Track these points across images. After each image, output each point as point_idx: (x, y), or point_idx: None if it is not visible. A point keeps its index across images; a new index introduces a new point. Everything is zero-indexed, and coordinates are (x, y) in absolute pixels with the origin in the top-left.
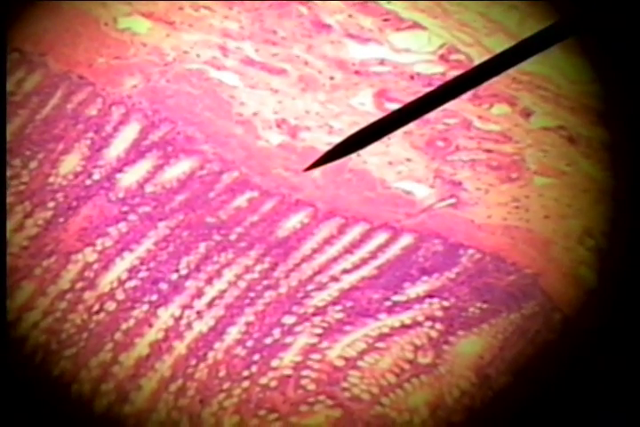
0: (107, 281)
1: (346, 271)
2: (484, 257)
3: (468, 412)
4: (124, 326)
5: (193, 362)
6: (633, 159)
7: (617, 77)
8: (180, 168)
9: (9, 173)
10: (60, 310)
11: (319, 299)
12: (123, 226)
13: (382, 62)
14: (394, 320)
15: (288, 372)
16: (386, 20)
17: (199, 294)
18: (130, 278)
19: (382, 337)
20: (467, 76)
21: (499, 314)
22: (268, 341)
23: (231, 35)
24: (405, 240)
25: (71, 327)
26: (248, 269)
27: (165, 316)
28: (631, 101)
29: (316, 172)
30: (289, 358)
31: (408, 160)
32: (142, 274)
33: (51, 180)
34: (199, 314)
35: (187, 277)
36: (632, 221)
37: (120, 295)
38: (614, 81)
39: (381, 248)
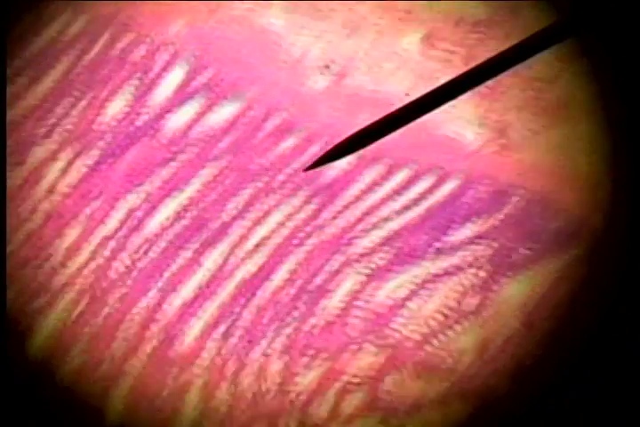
0: (151, 226)
1: (391, 217)
2: (532, 201)
3: (514, 357)
4: (167, 272)
5: (237, 309)
6: None
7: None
8: (224, 113)
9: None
10: (104, 256)
11: (363, 245)
12: (167, 171)
13: (430, 7)
14: (439, 266)
15: (333, 317)
16: None
17: (243, 240)
18: (173, 224)
19: (427, 283)
20: (470, 74)
21: (545, 258)
22: (312, 287)
23: None
24: (452, 184)
25: (114, 274)
26: (292, 216)
27: (209, 262)
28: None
29: (363, 116)
30: (333, 303)
31: (455, 104)
32: (185, 221)
33: (95, 126)
34: (243, 260)
35: (231, 223)
36: None
37: (163, 241)
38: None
39: (427, 192)
